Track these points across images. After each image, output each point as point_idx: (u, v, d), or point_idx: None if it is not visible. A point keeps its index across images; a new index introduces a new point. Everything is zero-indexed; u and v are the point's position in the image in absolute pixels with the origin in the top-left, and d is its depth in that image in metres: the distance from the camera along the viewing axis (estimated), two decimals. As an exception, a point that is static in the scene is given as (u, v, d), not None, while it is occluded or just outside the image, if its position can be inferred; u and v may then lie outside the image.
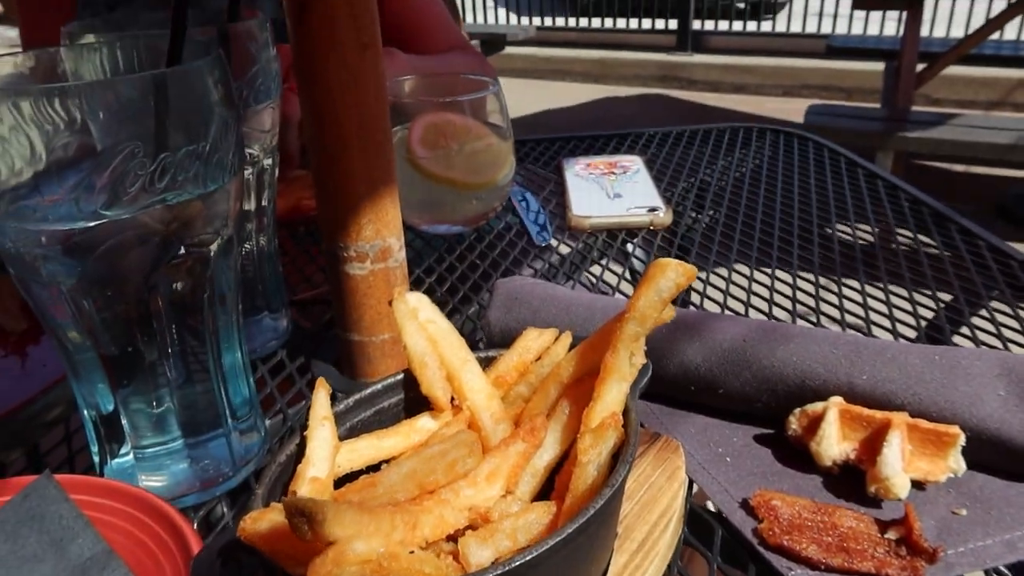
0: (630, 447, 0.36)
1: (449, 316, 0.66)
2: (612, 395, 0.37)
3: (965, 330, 0.62)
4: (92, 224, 0.36)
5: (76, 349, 0.40)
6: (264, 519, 0.29)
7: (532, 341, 0.42)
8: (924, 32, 4.45)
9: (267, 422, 0.52)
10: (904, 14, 3.18)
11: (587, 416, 0.37)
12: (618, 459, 0.35)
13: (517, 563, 0.28)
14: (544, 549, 0.29)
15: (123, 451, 0.44)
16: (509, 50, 5.41)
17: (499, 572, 0.28)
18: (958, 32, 4.52)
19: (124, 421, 0.43)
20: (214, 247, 0.42)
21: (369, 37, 0.47)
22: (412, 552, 0.30)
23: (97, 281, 0.38)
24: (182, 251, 0.40)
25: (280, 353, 0.61)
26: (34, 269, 0.38)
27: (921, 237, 0.79)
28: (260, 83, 0.53)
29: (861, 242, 0.78)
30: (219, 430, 0.46)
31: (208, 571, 0.30)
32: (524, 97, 5.35)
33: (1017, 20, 3.69)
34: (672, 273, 0.37)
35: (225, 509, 0.46)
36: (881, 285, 0.69)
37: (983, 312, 0.65)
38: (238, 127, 0.41)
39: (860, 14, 4.83)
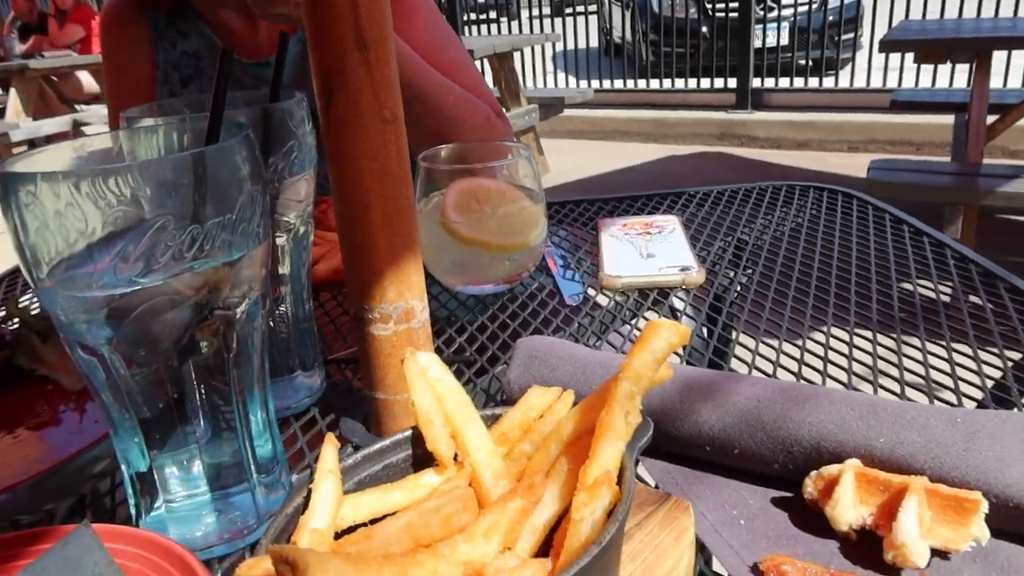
0: (623, 505, 0.36)
1: (478, 375, 0.68)
2: (607, 454, 0.38)
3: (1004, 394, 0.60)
4: (128, 290, 0.40)
5: (112, 407, 0.44)
6: (259, 567, 0.31)
7: (536, 399, 0.43)
8: (997, 84, 4.35)
9: (295, 476, 0.54)
10: (972, 65, 3.12)
11: (582, 474, 0.38)
12: (612, 516, 0.36)
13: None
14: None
15: (157, 504, 0.47)
16: (568, 112, 5.52)
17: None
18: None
19: (156, 476, 0.46)
20: (241, 310, 0.45)
21: (391, 114, 0.51)
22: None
23: (132, 342, 0.41)
24: (210, 314, 0.43)
25: (312, 410, 0.64)
26: (77, 332, 0.41)
27: (973, 299, 0.77)
28: (295, 156, 0.57)
29: (902, 301, 0.77)
30: (244, 484, 0.48)
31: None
32: (583, 158, 5.43)
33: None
34: (666, 333, 0.38)
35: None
36: (919, 345, 0.67)
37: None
38: (264, 199, 0.44)
39: (928, 66, 4.75)
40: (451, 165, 0.81)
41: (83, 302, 0.40)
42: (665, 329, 0.38)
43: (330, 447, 0.39)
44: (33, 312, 0.77)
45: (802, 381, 0.63)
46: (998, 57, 3.56)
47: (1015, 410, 0.56)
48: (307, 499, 0.37)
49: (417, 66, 1.01)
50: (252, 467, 0.48)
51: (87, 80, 6.94)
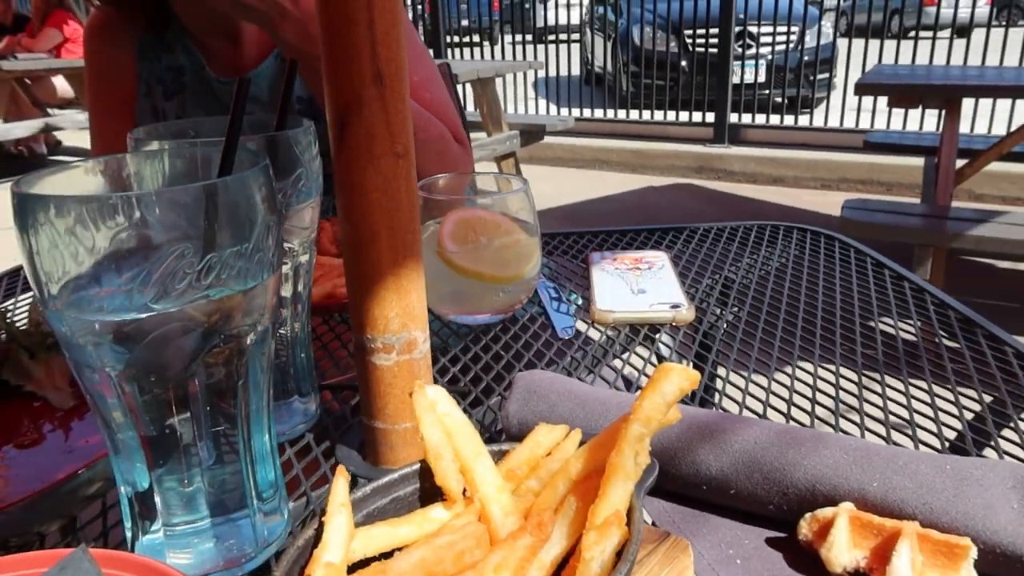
0: (633, 545, 0.37)
1: (472, 406, 0.69)
2: (617, 494, 0.39)
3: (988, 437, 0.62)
4: (142, 316, 0.40)
5: (118, 428, 0.43)
6: (277, 602, 0.31)
7: (543, 437, 0.44)
8: (965, 129, 4.49)
9: (291, 504, 0.54)
10: (943, 111, 3.22)
11: (592, 513, 0.38)
12: (621, 556, 0.36)
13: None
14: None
15: (154, 528, 0.47)
16: (548, 139, 5.57)
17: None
18: (1001, 130, 4.54)
19: (157, 499, 0.45)
20: (251, 337, 0.45)
21: (403, 148, 0.51)
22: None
23: (142, 367, 0.41)
24: (221, 341, 0.43)
25: (307, 436, 0.63)
26: (86, 353, 0.41)
27: (947, 342, 0.79)
28: (302, 184, 0.58)
29: (885, 344, 0.79)
30: (245, 510, 0.48)
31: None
32: (562, 185, 5.48)
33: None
34: (676, 378, 0.39)
35: (245, 589, 0.48)
36: (903, 388, 0.69)
37: (1008, 419, 0.65)
38: (278, 228, 0.45)
39: (899, 109, 4.89)
40: (449, 195, 0.82)
41: (94, 325, 0.40)
42: (676, 373, 0.39)
43: (341, 480, 0.39)
44: (20, 327, 0.76)
45: (791, 420, 0.65)
46: (967, 103, 3.67)
47: (1003, 459, 0.57)
48: (318, 531, 0.37)
49: None
50: (253, 493, 0.48)
51: (61, 84, 6.88)
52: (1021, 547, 0.44)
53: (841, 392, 0.69)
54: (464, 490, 0.42)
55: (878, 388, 0.70)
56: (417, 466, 0.43)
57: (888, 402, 0.67)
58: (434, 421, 0.43)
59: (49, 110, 6.90)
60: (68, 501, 0.53)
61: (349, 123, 0.50)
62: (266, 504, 0.50)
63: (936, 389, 0.69)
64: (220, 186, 0.41)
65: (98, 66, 1.25)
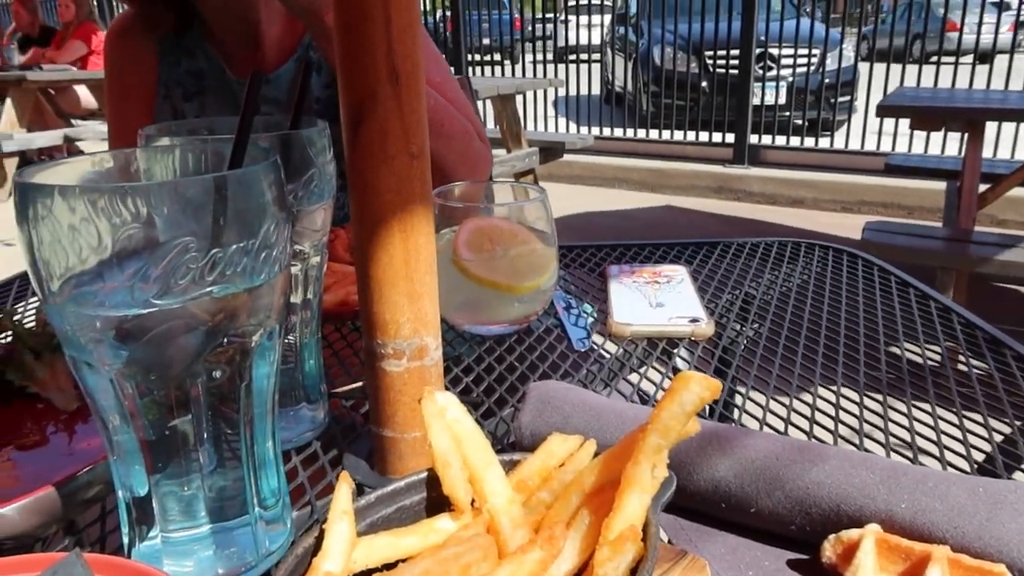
0: (648, 562, 0.35)
1: (484, 417, 0.67)
2: (632, 507, 0.37)
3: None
4: (143, 312, 0.39)
5: (116, 430, 0.42)
6: (271, 612, 0.29)
7: (557, 447, 0.42)
8: (988, 154, 4.44)
9: (294, 513, 0.52)
10: (965, 135, 3.18)
11: (606, 527, 0.36)
12: (636, 574, 0.35)
13: None
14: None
15: (152, 534, 0.45)
16: (568, 157, 5.58)
17: None
18: None
19: (155, 504, 0.44)
20: (256, 338, 0.43)
21: (418, 148, 0.50)
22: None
23: (142, 366, 0.40)
24: (225, 341, 0.42)
25: (315, 444, 0.62)
26: (86, 351, 0.40)
27: (974, 362, 0.77)
28: (315, 185, 0.57)
29: (910, 363, 0.76)
30: (245, 518, 0.46)
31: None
32: (581, 202, 5.47)
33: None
34: (696, 387, 0.37)
35: (244, 600, 0.46)
36: (929, 409, 0.67)
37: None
38: (287, 226, 0.44)
39: (920, 132, 4.83)
40: (465, 203, 0.81)
41: (95, 321, 0.39)
42: (696, 382, 0.37)
43: (344, 486, 0.38)
44: (27, 326, 0.76)
45: (814, 440, 0.62)
46: (990, 127, 3.63)
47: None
48: (319, 539, 0.36)
49: None
50: (254, 500, 0.46)
51: (85, 95, 6.99)
52: (1061, 576, 0.41)
53: (865, 411, 0.67)
54: (472, 500, 0.40)
55: (903, 408, 0.67)
56: (424, 475, 0.42)
57: (914, 423, 0.64)
58: (443, 428, 0.41)
59: (73, 120, 7.00)
60: (67, 503, 0.51)
61: (363, 121, 0.49)
62: (268, 512, 0.48)
63: (964, 410, 0.67)
64: (229, 179, 0.40)
65: (120, 67, 1.26)
